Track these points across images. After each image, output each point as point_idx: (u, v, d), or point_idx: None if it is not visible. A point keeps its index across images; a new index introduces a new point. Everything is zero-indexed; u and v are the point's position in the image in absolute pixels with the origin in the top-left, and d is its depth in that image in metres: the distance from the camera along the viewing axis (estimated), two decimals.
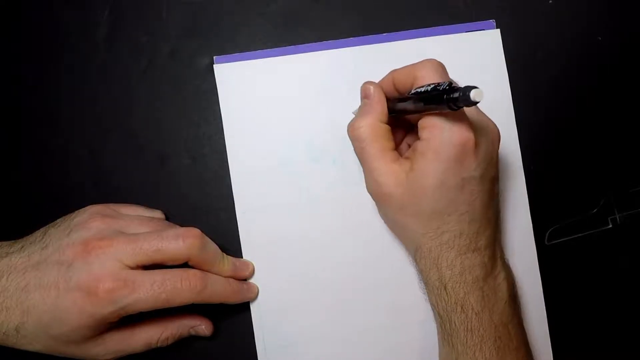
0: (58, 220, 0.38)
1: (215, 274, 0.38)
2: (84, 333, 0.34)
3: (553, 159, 0.43)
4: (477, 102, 0.28)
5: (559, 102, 0.43)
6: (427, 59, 0.36)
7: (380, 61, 0.42)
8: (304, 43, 0.43)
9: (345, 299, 0.42)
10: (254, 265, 0.41)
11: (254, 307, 0.41)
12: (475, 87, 0.28)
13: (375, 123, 0.36)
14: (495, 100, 0.43)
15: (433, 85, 0.31)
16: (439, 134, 0.33)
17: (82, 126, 0.42)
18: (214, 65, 0.42)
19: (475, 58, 0.43)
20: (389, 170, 0.35)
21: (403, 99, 0.35)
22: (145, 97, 0.42)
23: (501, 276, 0.36)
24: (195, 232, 0.36)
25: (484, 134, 0.35)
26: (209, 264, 0.37)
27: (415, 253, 0.37)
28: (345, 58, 0.42)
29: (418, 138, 0.35)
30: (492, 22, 0.43)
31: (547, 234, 0.43)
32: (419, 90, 0.33)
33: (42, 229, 0.37)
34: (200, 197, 0.42)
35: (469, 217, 0.35)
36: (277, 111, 0.42)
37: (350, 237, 0.42)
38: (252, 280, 0.41)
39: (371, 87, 0.37)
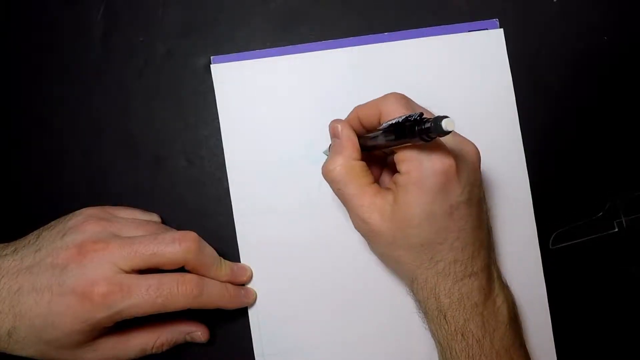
0: (52, 223, 0.37)
1: (212, 278, 0.37)
2: (77, 338, 0.34)
3: (558, 161, 0.43)
4: (450, 132, 0.28)
5: (564, 103, 0.43)
6: (390, 93, 0.36)
7: (381, 61, 0.42)
8: (304, 43, 0.42)
9: (346, 304, 0.41)
10: (252, 269, 0.41)
11: (252, 313, 0.41)
12: (446, 117, 0.28)
13: (348, 162, 0.36)
14: (498, 102, 0.42)
15: (404, 117, 0.31)
16: (418, 165, 0.33)
17: (76, 127, 0.42)
18: (212, 65, 0.42)
19: (478, 58, 0.42)
20: (372, 205, 0.35)
21: (373, 134, 0.35)
22: (141, 97, 0.42)
23: (500, 298, 0.36)
24: (192, 235, 0.36)
25: (464, 156, 0.34)
26: (206, 268, 0.37)
27: (412, 284, 0.36)
28: (345, 58, 0.42)
29: (396, 170, 0.34)
30: (495, 21, 0.43)
31: (551, 238, 0.42)
32: (390, 122, 0.32)
33: (35, 232, 0.37)
34: (197, 200, 0.42)
35: (461, 243, 0.34)
36: (276, 112, 0.42)
37: (350, 241, 0.41)
38: (250, 285, 0.41)
39: (339, 126, 0.37)
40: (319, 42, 0.42)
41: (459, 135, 0.35)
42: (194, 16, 0.42)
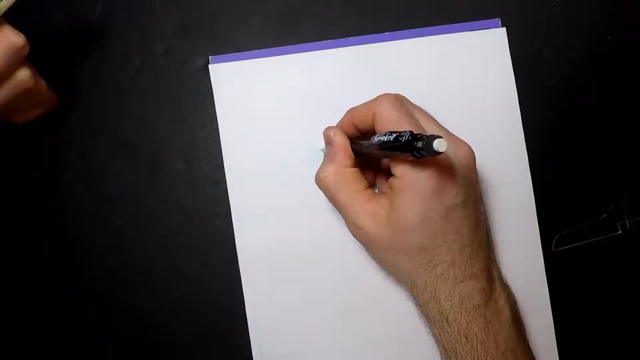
0: None
1: None
2: None
3: (561, 163, 0.42)
4: (441, 152, 0.28)
5: (567, 103, 0.42)
6: (383, 94, 0.36)
7: (381, 61, 0.42)
8: (303, 42, 0.42)
9: (347, 308, 0.41)
10: (251, 272, 0.40)
11: (250, 317, 0.40)
12: (438, 137, 0.28)
13: (339, 170, 0.36)
14: (501, 102, 0.42)
15: (395, 136, 0.31)
16: (412, 168, 0.33)
17: (73, 128, 0.41)
18: (210, 65, 0.41)
19: (480, 58, 0.42)
20: (366, 211, 0.35)
21: (367, 143, 0.35)
22: (138, 98, 0.41)
23: (502, 299, 0.36)
24: None
25: (458, 157, 0.34)
26: None
27: (412, 289, 0.36)
28: (345, 58, 0.41)
29: (391, 173, 0.34)
30: (497, 20, 0.42)
31: (554, 240, 0.42)
32: (381, 139, 0.33)
33: None
34: (194, 203, 0.41)
35: (458, 245, 0.34)
36: (275, 113, 0.41)
37: (351, 243, 0.40)
38: (248, 288, 0.40)
39: (331, 133, 0.37)
40: (319, 42, 0.42)
41: (453, 135, 0.35)
42: (192, 15, 0.42)
